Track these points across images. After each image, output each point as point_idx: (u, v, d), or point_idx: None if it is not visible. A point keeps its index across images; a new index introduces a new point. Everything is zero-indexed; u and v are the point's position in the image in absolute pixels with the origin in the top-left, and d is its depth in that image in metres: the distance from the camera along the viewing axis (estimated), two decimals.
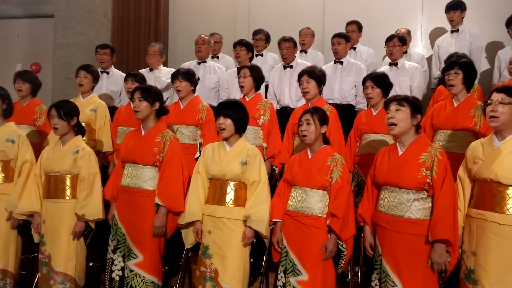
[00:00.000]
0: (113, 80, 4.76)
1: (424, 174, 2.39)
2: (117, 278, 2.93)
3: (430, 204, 2.40)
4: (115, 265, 2.94)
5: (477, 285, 2.31)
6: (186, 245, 2.92)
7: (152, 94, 2.91)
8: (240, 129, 2.78)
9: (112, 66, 4.84)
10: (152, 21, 6.37)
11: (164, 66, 4.98)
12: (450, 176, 2.39)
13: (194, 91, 3.71)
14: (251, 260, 2.99)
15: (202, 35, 4.90)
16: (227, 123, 2.71)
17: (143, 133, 2.95)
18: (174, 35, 6.60)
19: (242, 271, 2.67)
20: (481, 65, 5.05)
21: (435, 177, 2.36)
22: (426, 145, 2.47)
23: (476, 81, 4.60)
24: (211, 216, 2.74)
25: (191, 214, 2.78)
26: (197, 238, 2.80)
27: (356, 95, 4.56)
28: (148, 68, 4.77)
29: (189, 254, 3.14)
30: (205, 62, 4.86)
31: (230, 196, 2.72)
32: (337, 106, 4.40)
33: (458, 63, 3.14)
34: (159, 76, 4.62)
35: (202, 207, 2.78)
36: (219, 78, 4.80)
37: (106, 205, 3.08)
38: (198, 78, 3.75)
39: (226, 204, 2.71)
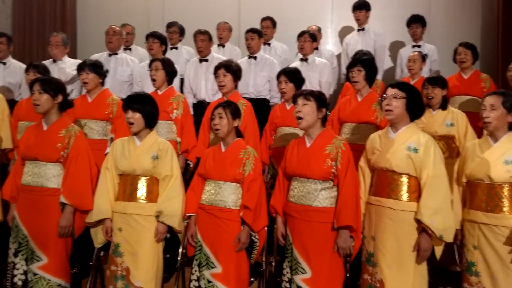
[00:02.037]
0: (11, 71, 4.41)
1: (329, 164, 2.52)
2: (20, 282, 2.74)
3: (336, 193, 2.54)
4: (17, 269, 2.75)
5: (376, 267, 2.49)
6: (96, 244, 2.80)
7: (54, 86, 2.74)
8: (150, 123, 2.71)
9: (10, 57, 4.47)
10: (58, 9, 5.98)
11: (72, 58, 4.71)
12: (353, 166, 2.55)
13: (102, 83, 3.55)
14: (167, 256, 2.95)
15: (113, 26, 4.69)
16: (136, 117, 2.64)
17: (44, 128, 2.77)
18: (84, 25, 6.26)
19: (155, 268, 2.63)
20: (385, 62, 5.43)
21: (339, 167, 2.50)
22: (331, 137, 2.60)
23: (380, 78, 4.97)
24: (121, 213, 2.66)
25: (99, 212, 2.68)
26: (107, 237, 2.70)
27: (270, 90, 4.67)
28: (52, 60, 4.47)
29: (101, 254, 3.01)
30: (117, 54, 4.66)
31: (141, 191, 2.66)
32: (252, 101, 4.46)
33: (360, 60, 3.35)
34: (64, 68, 4.35)
35: (111, 204, 2.69)
36: (132, 71, 4.64)
37: (6, 205, 2.87)
38: (107, 70, 3.60)
39: (138, 200, 2.65)
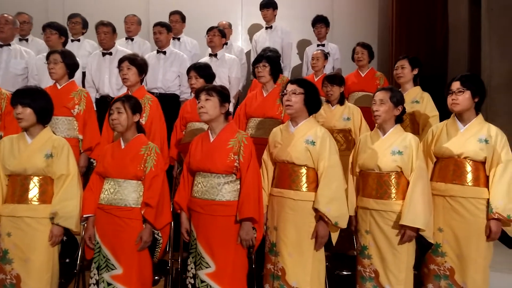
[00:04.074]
0: None
1: (232, 158, 2.54)
2: None
3: (239, 186, 2.57)
4: None
5: (278, 256, 2.58)
6: None
7: None
8: (43, 119, 2.54)
9: None
10: None
11: None
12: (255, 159, 2.59)
13: None
14: (67, 260, 2.79)
15: (5, 14, 4.30)
16: (26, 112, 2.46)
17: None
18: None
19: (49, 273, 2.47)
20: (293, 60, 5.63)
21: (241, 161, 2.53)
22: (234, 132, 2.62)
23: (288, 75, 5.13)
24: (10, 217, 2.46)
25: None
26: None
27: (180, 85, 4.61)
28: None
29: None
30: (9, 45, 4.29)
31: (33, 192, 2.48)
32: (161, 96, 4.39)
33: (265, 56, 3.45)
34: None
35: None
36: (27, 63, 4.30)
37: None
38: None
39: (29, 202, 2.47)
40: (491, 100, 4.29)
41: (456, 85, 2.70)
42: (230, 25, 5.49)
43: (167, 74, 4.55)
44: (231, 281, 2.49)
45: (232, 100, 4.49)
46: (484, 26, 4.47)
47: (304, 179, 2.58)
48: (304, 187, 2.58)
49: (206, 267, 2.50)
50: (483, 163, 2.63)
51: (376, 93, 2.75)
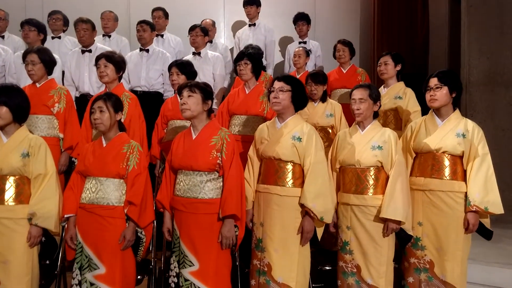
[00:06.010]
0: None
1: (214, 156, 2.52)
2: None
3: (221, 184, 2.56)
4: None
5: (265, 252, 2.59)
6: None
7: None
8: (19, 118, 2.49)
9: None
10: None
11: None
12: (237, 156, 2.58)
13: None
14: (47, 262, 2.74)
15: None
16: (2, 111, 2.41)
17: None
18: None
19: (29, 275, 2.42)
20: (275, 57, 5.63)
21: (224, 158, 2.52)
22: (217, 129, 2.61)
23: (271, 72, 5.13)
24: None
25: None
26: None
27: (163, 83, 4.57)
28: None
29: None
30: None
31: (10, 193, 2.43)
32: (144, 94, 4.36)
33: (246, 54, 3.44)
34: None
35: None
36: (4, 61, 4.22)
37: None
38: None
39: (6, 203, 2.42)
40: (469, 96, 4.37)
41: (433, 81, 2.74)
42: (214, 23, 5.46)
43: (150, 72, 4.51)
44: (215, 279, 2.48)
45: (215, 99, 4.48)
46: (463, 23, 4.54)
47: (290, 175, 2.59)
48: (290, 183, 2.58)
49: (190, 266, 2.48)
50: (461, 157, 2.68)
51: (354, 91, 2.75)
